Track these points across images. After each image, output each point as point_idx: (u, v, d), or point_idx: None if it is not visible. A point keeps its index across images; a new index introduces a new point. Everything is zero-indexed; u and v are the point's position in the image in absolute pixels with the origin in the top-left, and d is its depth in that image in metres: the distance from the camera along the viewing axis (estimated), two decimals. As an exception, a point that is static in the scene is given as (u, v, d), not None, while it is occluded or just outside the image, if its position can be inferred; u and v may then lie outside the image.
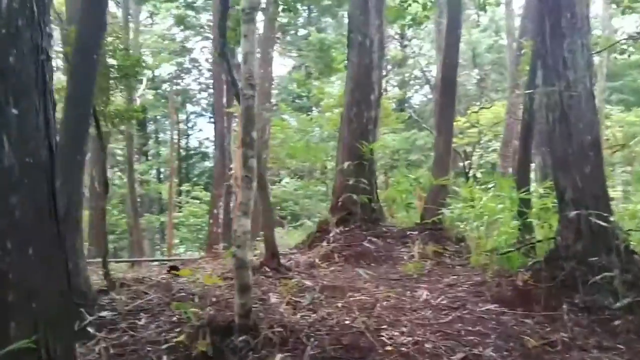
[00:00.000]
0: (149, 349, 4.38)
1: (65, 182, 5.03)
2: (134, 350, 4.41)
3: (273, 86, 35.66)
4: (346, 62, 10.44)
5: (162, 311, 5.13)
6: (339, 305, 5.33)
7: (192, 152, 37.04)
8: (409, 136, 23.84)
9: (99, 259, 11.70)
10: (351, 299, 5.61)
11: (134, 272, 8.26)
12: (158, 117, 33.03)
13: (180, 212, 24.96)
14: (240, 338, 4.23)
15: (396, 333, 4.69)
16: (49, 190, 2.76)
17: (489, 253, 6.77)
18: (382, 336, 4.63)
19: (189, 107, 37.11)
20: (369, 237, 8.01)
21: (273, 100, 33.68)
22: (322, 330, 4.62)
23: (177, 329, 4.66)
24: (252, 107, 4.19)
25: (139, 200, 28.88)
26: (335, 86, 22.63)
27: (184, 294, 5.54)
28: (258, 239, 8.02)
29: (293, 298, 5.47)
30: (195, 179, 33.55)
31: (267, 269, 6.30)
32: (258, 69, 4.03)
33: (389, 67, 30.44)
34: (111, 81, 6.29)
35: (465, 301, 5.52)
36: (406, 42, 32.06)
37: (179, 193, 27.83)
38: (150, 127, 36.61)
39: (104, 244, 6.02)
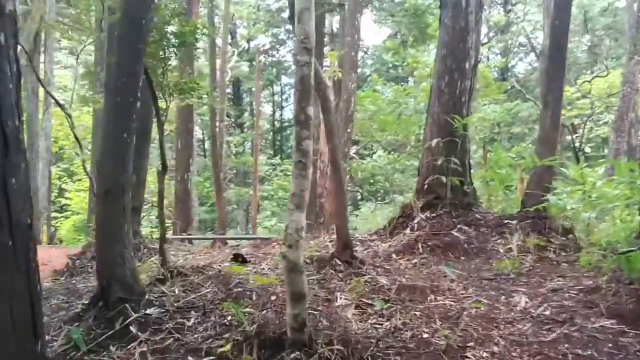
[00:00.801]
0: (190, 359, 3.81)
1: (110, 161, 4.55)
2: (175, 359, 3.86)
3: (367, 56, 34.63)
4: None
5: (214, 309, 4.54)
6: (418, 312, 4.50)
7: (287, 124, 36.93)
8: (511, 107, 22.10)
9: (182, 236, 11.63)
10: (433, 303, 4.76)
11: (204, 255, 7.83)
12: (253, 89, 33.04)
13: (269, 185, 24.80)
14: (292, 355, 3.54)
15: (485, 354, 3.82)
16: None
17: (604, 251, 5.64)
18: (467, 358, 3.78)
19: (284, 79, 36.97)
20: (459, 226, 7.02)
21: (367, 71, 32.69)
22: (393, 348, 3.83)
23: (226, 334, 4.05)
24: (308, 77, 3.40)
25: (233, 171, 29.14)
26: (431, 55, 21.28)
27: (241, 289, 4.93)
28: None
29: (363, 300, 4.71)
30: (289, 152, 33.37)
31: (338, 262, 5.55)
32: (312, 29, 3.19)
33: (491, 33, 28.43)
34: (169, 50, 5.70)
35: (573, 313, 4.50)
36: (510, 7, 29.76)
37: (271, 166, 27.71)
38: (246, 99, 36.89)
39: (161, 231, 5.50)
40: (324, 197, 13.06)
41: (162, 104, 5.69)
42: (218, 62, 18.88)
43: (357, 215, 22.00)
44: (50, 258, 9.68)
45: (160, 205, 5.57)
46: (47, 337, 4.07)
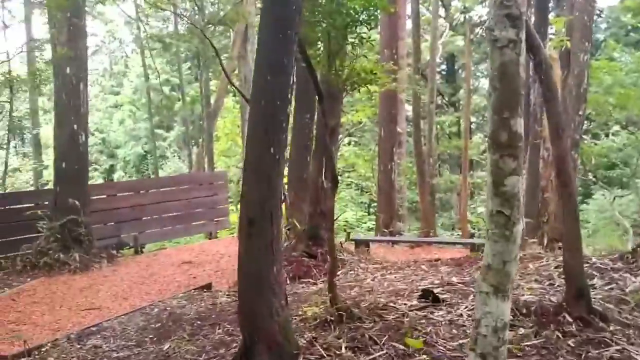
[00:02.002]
0: None
1: (254, 182, 3.56)
2: None
3: (600, 19, 29.83)
4: None
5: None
6: None
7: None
8: None
9: (377, 238, 10.41)
10: None
11: (398, 267, 6.63)
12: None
13: (484, 171, 22.65)
14: None
15: None
16: None
17: None
18: None
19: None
20: None
21: (600, 36, 28.15)
22: None
23: None
24: (512, 66, 1.95)
25: (446, 155, 27.38)
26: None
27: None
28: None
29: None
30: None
31: (567, 317, 3.90)
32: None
33: None
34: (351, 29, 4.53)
35: None
36: None
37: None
38: (462, 75, 34.57)
39: (331, 261, 4.44)
40: (548, 192, 10.92)
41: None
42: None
43: (587, 204, 18.95)
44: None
45: (331, 227, 4.50)
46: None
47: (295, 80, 3.59)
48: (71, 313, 7.12)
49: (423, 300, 4.67)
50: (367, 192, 24.28)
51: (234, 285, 7.28)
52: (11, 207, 10.56)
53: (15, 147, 43.05)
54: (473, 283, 5.44)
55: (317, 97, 4.26)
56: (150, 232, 12.63)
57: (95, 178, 34.46)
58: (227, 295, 6.59)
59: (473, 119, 26.58)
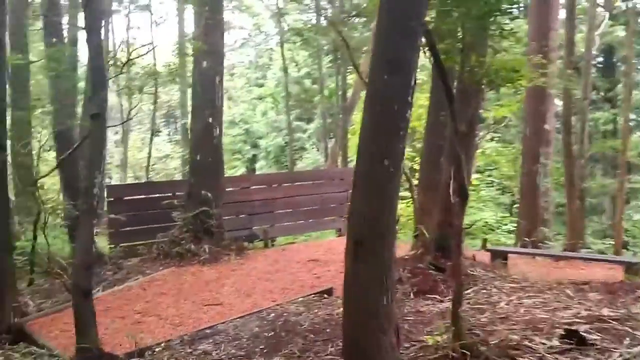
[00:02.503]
0: None
1: (362, 196, 3.08)
2: None
3: None
4: None
5: None
6: None
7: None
8: None
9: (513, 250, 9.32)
10: None
11: (539, 291, 5.80)
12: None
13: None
14: None
15: None
16: None
17: None
18: None
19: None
20: None
21: None
22: None
23: None
24: None
25: (601, 156, 24.88)
26: None
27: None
28: None
29: None
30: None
31: None
32: None
33: None
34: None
35: None
36: None
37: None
38: (622, 69, 31.29)
39: (456, 289, 3.84)
40: None
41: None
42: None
43: None
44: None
45: (458, 250, 3.89)
46: None
47: (416, 81, 3.04)
48: (194, 307, 7.16)
49: (566, 341, 3.90)
50: (509, 192, 22.76)
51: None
52: (151, 195, 11.06)
53: (168, 135, 46.48)
54: (629, 320, 4.53)
55: (446, 97, 3.66)
56: (281, 226, 12.66)
57: (239, 167, 36.08)
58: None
59: (632, 116, 23.84)
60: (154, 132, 23.00)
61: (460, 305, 3.85)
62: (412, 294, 6.09)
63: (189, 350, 5.03)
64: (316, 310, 5.90)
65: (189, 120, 27.10)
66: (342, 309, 5.67)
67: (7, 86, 13.07)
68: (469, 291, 5.98)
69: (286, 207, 12.73)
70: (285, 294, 7.54)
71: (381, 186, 2.95)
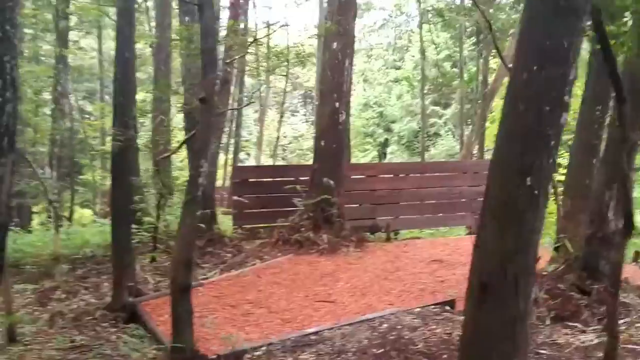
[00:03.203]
0: None
1: (503, 228, 2.39)
2: None
3: None
4: None
5: None
6: None
7: None
8: None
9: None
10: None
11: None
12: None
13: None
14: None
15: None
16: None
17: None
18: None
19: None
20: None
21: None
22: None
23: None
24: None
25: None
26: None
27: None
28: None
29: None
30: None
31: None
32: None
33: None
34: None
35: None
36: None
37: None
38: None
39: (611, 338, 3.03)
40: None
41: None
42: None
43: None
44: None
45: (615, 290, 3.07)
46: None
47: (576, 75, 2.28)
48: (305, 302, 6.82)
49: None
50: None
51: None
52: (275, 179, 10.93)
53: (305, 115, 47.19)
54: None
55: (616, 95, 2.82)
56: (405, 219, 12.03)
57: (370, 150, 35.68)
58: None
59: None
60: (284, 113, 23.12)
61: (615, 350, 3.04)
62: (548, 320, 5.23)
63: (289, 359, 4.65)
64: (434, 327, 5.26)
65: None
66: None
67: (152, 65, 13.62)
68: (620, 322, 5.01)
69: (413, 199, 12.06)
70: (403, 298, 6.96)
71: (520, 213, 2.24)
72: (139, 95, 9.25)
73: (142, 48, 16.33)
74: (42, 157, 15.44)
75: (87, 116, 22.80)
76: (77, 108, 20.60)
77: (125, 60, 6.89)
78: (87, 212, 19.71)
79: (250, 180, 10.78)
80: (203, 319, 6.23)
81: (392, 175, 12.03)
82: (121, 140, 6.72)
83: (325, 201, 9.62)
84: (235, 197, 10.39)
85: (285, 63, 11.37)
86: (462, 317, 5.63)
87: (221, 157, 18.75)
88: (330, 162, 9.82)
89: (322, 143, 9.83)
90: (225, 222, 12.54)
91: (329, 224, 9.64)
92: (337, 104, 9.71)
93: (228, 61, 8.65)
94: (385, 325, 5.39)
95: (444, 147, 31.66)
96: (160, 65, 14.72)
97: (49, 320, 6.67)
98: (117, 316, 6.66)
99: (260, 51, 9.28)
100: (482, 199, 9.94)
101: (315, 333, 5.22)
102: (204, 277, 8.12)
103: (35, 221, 14.98)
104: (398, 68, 36.72)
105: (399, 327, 5.28)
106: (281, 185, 10.56)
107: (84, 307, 7.02)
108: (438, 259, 9.05)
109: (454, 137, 32.95)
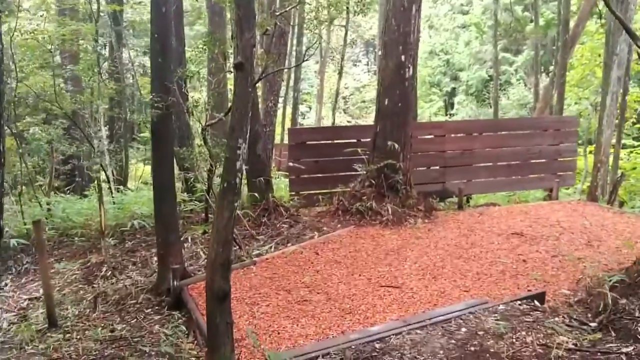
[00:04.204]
0: None
1: None
2: None
3: None
4: None
5: None
6: None
7: None
8: None
9: None
10: None
11: None
12: None
13: None
14: None
15: None
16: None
17: None
18: None
19: None
20: None
21: None
22: None
23: None
24: None
25: None
26: None
27: None
28: None
29: None
30: None
31: None
32: None
33: None
34: None
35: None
36: None
37: None
38: None
39: None
40: None
41: None
42: None
43: None
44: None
45: None
46: None
47: None
48: (368, 287, 6.04)
49: None
50: None
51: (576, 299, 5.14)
52: (335, 141, 10.05)
53: (367, 64, 45.61)
54: None
55: None
56: (478, 182, 10.94)
57: (436, 101, 34.02)
58: (567, 326, 4.54)
59: None
60: (343, 67, 21.94)
61: None
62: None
63: (348, 378, 3.87)
64: (523, 333, 4.34)
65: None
66: (560, 336, 4.06)
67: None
68: None
69: (486, 161, 10.93)
70: (481, 283, 6.05)
71: None
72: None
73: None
74: (98, 117, 15.17)
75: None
76: (137, 64, 20.20)
77: (162, 15, 6.10)
78: (148, 169, 19.53)
79: (308, 143, 9.93)
80: (254, 307, 5.59)
81: (463, 135, 10.89)
82: (160, 107, 6.00)
83: (390, 167, 8.69)
84: (290, 163, 9.60)
85: (345, 12, 10.29)
86: (556, 319, 4.72)
87: (279, 113, 17.98)
88: (395, 122, 8.81)
89: (386, 101, 8.81)
90: (282, 187, 11.85)
91: (394, 192, 8.73)
92: (402, 57, 8.62)
93: (278, 13, 7.71)
94: (464, 329, 4.51)
95: (515, 97, 29.72)
96: (215, 17, 13.90)
97: (92, 301, 6.23)
98: (162, 300, 6.13)
99: (318, 1, 8.25)
100: (563, 158, 8.76)
101: (380, 339, 4.41)
102: (258, 252, 7.47)
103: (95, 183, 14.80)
104: (466, 13, 34.46)
105: (481, 332, 4.40)
106: (341, 148, 9.68)
107: (129, 288, 6.54)
108: (518, 231, 8.02)
109: (525, 86, 30.85)
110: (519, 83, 30.76)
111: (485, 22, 31.10)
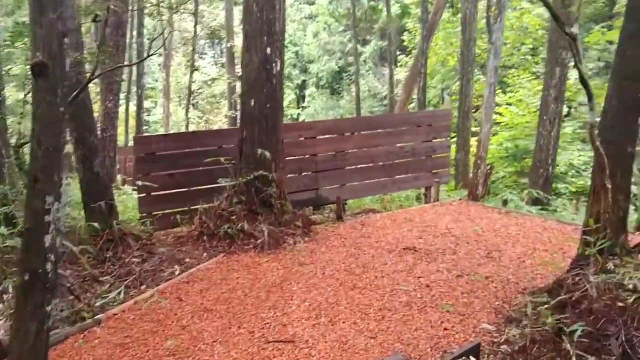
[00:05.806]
0: None
1: None
2: None
3: None
4: None
5: None
6: None
7: None
8: None
9: None
10: None
11: None
12: None
13: None
14: None
15: None
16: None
17: None
18: None
19: None
20: None
21: None
22: None
23: None
24: None
25: None
26: None
27: None
28: None
29: None
30: None
31: None
32: None
33: None
34: None
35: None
36: None
37: None
38: None
39: None
40: None
41: None
42: None
43: None
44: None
45: None
46: None
47: None
48: (252, 345, 4.70)
49: None
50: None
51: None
52: (192, 149, 8.48)
53: (213, 57, 43.54)
54: None
55: None
56: (353, 186, 10.01)
57: (288, 94, 33.17)
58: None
59: None
60: (195, 61, 20.18)
61: None
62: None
63: None
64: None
65: (234, 43, 24.11)
66: None
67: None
68: None
69: (360, 162, 10.06)
70: (387, 322, 5.00)
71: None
72: None
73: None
74: None
75: None
76: None
77: None
78: None
79: (158, 153, 8.25)
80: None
81: (335, 135, 9.87)
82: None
83: (261, 178, 7.39)
84: (139, 183, 7.88)
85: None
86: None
87: (122, 111, 15.82)
88: (264, 127, 7.51)
89: (252, 102, 7.46)
90: (129, 206, 10.04)
91: (268, 208, 7.45)
92: (268, 50, 7.32)
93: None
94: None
95: (366, 87, 29.79)
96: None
97: None
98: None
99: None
100: (437, 155, 7.89)
101: None
102: (103, 302, 5.79)
103: None
104: (312, 3, 33.94)
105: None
106: (200, 157, 8.18)
107: None
108: (409, 246, 7.15)
109: (374, 76, 31.10)
110: (369, 74, 30.91)
111: (331, 12, 30.79)
